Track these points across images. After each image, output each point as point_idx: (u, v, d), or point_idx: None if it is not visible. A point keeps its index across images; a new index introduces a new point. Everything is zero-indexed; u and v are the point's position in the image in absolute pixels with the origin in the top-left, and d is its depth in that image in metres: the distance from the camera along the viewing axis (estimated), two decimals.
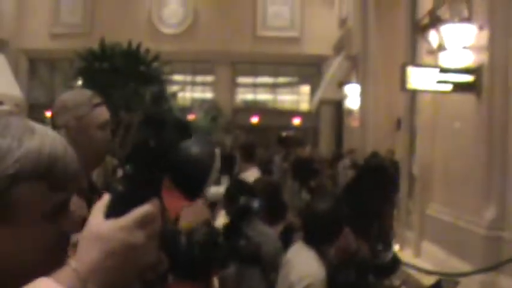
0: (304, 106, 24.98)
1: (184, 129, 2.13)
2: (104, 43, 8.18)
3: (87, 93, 1.95)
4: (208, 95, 25.20)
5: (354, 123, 15.37)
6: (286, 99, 25.85)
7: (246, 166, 5.03)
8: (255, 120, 24.78)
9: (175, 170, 2.27)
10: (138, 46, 8.17)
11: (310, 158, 14.43)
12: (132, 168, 0.78)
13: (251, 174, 4.64)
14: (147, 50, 8.32)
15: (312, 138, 24.47)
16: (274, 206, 3.54)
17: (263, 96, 26.30)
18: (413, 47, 9.21)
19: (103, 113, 1.93)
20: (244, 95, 26.31)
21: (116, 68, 7.77)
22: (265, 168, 10.85)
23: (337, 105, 18.76)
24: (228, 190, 3.19)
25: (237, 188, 3.13)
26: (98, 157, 1.93)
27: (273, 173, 11.71)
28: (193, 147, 2.38)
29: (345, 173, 12.21)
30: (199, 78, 25.32)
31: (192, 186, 2.34)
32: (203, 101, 23.79)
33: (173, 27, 23.16)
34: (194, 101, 23.14)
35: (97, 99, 1.94)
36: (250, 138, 27.16)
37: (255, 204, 2.73)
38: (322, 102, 19.27)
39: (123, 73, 7.73)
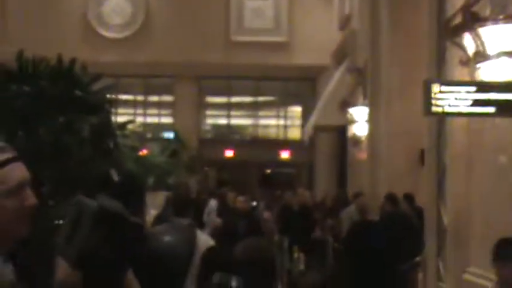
0: (295, 134, 25.03)
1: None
2: (23, 57, 7.93)
3: None
4: (167, 120, 25.14)
5: (361, 156, 15.34)
6: (270, 125, 25.92)
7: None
8: (229, 154, 24.74)
9: (141, 266, 2.40)
10: (72, 62, 7.91)
11: (303, 205, 14.36)
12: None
13: None
14: (84, 67, 8.07)
15: (305, 178, 24.47)
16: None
17: (240, 121, 26.32)
18: (440, 56, 9.20)
19: (15, 173, 1.91)
20: (215, 121, 26.34)
21: (41, 92, 7.50)
22: (249, 219, 10.72)
23: (339, 133, 18.77)
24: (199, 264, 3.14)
25: (210, 260, 2.99)
26: (5, 236, 1.87)
27: (257, 224, 11.56)
28: (165, 236, 2.47)
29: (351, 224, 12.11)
30: (153, 99, 25.26)
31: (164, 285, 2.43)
32: (159, 130, 23.70)
33: (117, 30, 23.07)
34: (147, 129, 23.01)
35: (7, 154, 1.92)
36: (224, 176, 26.84)
37: (233, 284, 2.70)
38: (319, 129, 19.27)
39: (51, 100, 7.47)
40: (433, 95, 6.94)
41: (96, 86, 8.09)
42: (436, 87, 6.92)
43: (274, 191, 21.12)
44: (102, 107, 8.11)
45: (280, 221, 14.55)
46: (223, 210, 12.54)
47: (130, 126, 10.09)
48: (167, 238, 2.74)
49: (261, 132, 25.77)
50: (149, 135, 22.68)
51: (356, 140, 15.45)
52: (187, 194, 5.72)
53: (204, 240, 5.37)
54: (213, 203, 13.98)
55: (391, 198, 10.72)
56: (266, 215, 15.34)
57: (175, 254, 2.63)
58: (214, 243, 5.42)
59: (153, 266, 2.40)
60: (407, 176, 12.46)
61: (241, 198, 11.07)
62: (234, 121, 25.99)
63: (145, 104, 24.99)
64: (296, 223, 13.54)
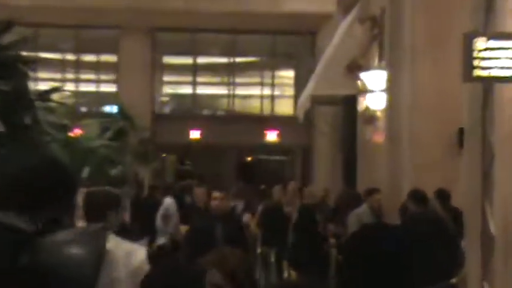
0: (286, 108, 24.96)
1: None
2: None
3: None
4: (108, 88, 24.98)
5: (376, 138, 15.37)
6: (252, 95, 25.83)
7: None
8: (195, 135, 24.64)
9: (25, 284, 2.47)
10: None
11: (303, 205, 14.25)
12: None
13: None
14: None
15: (299, 167, 24.39)
16: None
17: (210, 90, 26.20)
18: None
19: None
20: (176, 89, 26.17)
21: None
22: (228, 223, 10.60)
23: (346, 106, 18.80)
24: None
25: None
26: None
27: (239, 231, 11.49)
28: (70, 247, 2.65)
29: None
30: (90, 59, 25.09)
31: None
32: (98, 102, 23.48)
33: None
34: (80, 100, 22.83)
35: None
36: (187, 165, 26.88)
37: None
38: (318, 102, 19.22)
39: None
40: (476, 54, 6.88)
41: (6, 39, 7.99)
42: (480, 43, 6.86)
43: (257, 186, 21.06)
44: (15, 69, 7.99)
45: (265, 227, 14.50)
46: (190, 211, 12.41)
47: (56, 96, 9.99)
48: (66, 250, 2.69)
49: (238, 106, 25.69)
50: (83, 109, 22.47)
51: (369, 116, 15.42)
52: (103, 192, 5.88)
53: (125, 252, 5.29)
54: (169, 202, 13.90)
55: (417, 196, 10.68)
56: (246, 218, 15.28)
57: (71, 271, 2.60)
58: (151, 260, 5.40)
59: (42, 285, 2.42)
60: (440, 165, 12.45)
61: (217, 194, 10.76)
62: (202, 90, 25.87)
63: (78, 66, 24.81)
64: (287, 229, 13.48)
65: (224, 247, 5.19)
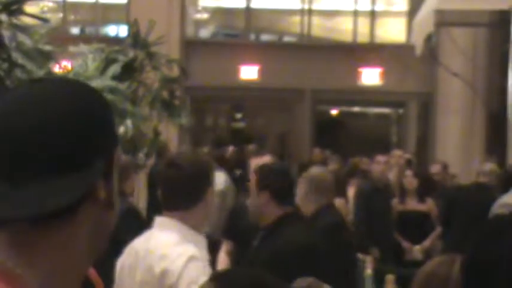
0: (393, 32, 24.91)
1: None
2: None
3: None
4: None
5: None
6: (338, 12, 25.88)
7: None
8: (249, 72, 24.56)
9: None
10: None
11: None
12: None
13: None
14: None
15: (415, 128, 24.26)
16: None
17: (273, 3, 26.19)
18: None
19: None
20: (219, 1, 26.31)
21: None
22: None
23: (494, 29, 18.69)
24: None
25: None
26: None
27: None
28: None
29: None
30: None
31: None
32: (99, 20, 23.57)
33: None
34: (71, 17, 22.90)
35: None
36: (238, 121, 27.25)
37: None
38: (447, 22, 19.07)
39: None
40: None
41: None
42: None
43: (344, 155, 21.07)
44: None
45: (363, 222, 14.53)
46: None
47: (33, 9, 9.85)
48: None
49: (318, 28, 25.63)
50: (75, 31, 22.54)
51: None
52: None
53: None
54: (222, 181, 13.82)
55: None
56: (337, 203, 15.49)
57: None
58: None
59: None
60: None
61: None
62: (260, 2, 25.85)
63: None
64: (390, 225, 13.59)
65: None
